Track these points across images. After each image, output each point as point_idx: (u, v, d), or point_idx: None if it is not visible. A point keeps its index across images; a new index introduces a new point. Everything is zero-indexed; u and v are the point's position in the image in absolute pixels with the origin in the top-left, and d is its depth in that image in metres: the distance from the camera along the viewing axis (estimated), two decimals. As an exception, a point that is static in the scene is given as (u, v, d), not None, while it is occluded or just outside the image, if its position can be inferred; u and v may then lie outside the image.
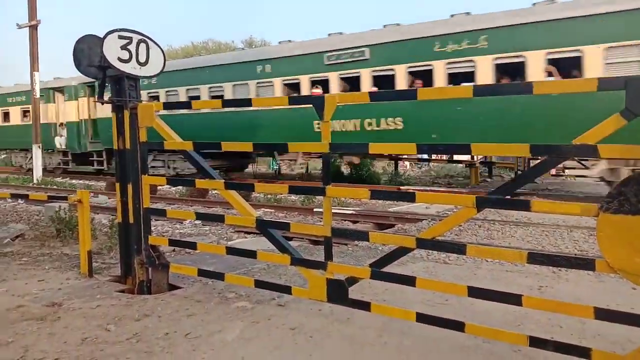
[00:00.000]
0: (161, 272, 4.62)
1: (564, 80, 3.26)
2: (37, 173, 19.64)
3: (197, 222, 9.24)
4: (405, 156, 19.32)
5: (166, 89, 18.27)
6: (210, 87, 17.26)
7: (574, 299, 4.13)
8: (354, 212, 10.27)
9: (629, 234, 2.50)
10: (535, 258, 2.80)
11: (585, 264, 2.73)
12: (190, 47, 47.89)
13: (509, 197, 2.93)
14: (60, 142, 22.88)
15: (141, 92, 17.26)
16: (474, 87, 2.95)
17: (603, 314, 2.64)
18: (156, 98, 18.57)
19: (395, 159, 19.74)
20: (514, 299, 2.89)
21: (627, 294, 4.29)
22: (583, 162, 13.63)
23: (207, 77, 17.40)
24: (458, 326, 3.05)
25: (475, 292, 3.01)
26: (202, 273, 4.34)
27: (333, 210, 10.08)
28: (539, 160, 2.98)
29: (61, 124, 22.72)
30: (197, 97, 17.36)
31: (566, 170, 17.76)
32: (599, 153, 2.61)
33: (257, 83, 16.17)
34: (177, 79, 17.85)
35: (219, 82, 17.08)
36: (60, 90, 22.71)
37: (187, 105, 5.11)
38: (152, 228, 4.92)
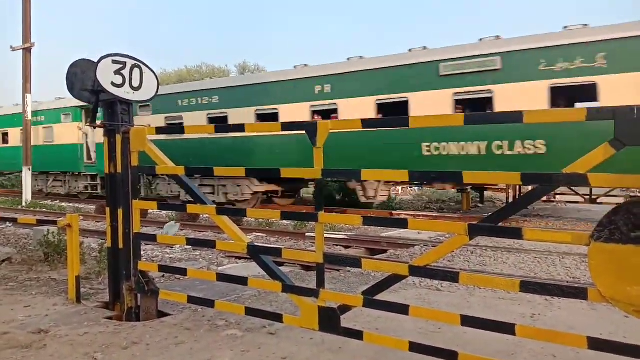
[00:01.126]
0: (150, 298, 4.55)
1: (554, 110, 3.31)
2: (27, 195, 19.45)
3: (188, 247, 9.16)
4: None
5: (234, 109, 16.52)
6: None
7: (567, 327, 4.11)
8: (346, 237, 10.23)
9: (620, 263, 2.50)
10: (528, 287, 2.79)
11: (577, 292, 2.73)
12: (184, 72, 48.25)
13: (500, 224, 2.93)
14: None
15: (201, 112, 17.25)
16: (465, 115, 2.98)
17: (596, 344, 2.62)
18: (223, 119, 16.68)
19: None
20: (508, 328, 2.87)
21: (620, 322, 4.27)
22: (573, 188, 13.74)
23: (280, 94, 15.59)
24: (451, 356, 3.01)
25: (468, 321, 2.99)
26: (192, 300, 4.28)
27: (325, 235, 10.09)
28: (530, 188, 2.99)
29: None
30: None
31: (557, 196, 17.93)
32: (589, 182, 2.63)
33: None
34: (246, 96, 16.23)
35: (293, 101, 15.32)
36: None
37: (179, 130, 5.10)
38: (142, 252, 4.87)
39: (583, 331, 3.87)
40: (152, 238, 5.19)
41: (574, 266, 7.15)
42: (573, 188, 14.95)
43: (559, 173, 2.68)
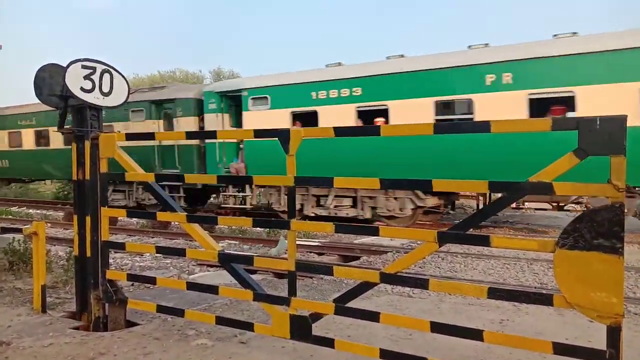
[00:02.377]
0: (118, 307, 4.46)
1: (519, 120, 3.39)
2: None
3: (158, 255, 9.02)
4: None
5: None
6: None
7: (535, 333, 4.19)
8: (319, 244, 10.23)
9: (584, 269, 2.57)
10: (496, 293, 2.84)
11: (543, 299, 2.79)
12: (157, 77, 47.67)
13: (469, 232, 2.98)
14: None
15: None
16: (434, 124, 3.03)
17: (561, 349, 2.68)
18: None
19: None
20: (476, 334, 2.91)
21: (585, 327, 4.37)
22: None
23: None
24: (421, 362, 3.04)
25: (437, 328, 3.02)
26: (161, 309, 4.21)
27: (299, 242, 10.11)
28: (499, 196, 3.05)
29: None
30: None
31: (526, 204, 18.29)
32: (555, 190, 2.70)
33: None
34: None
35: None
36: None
37: (149, 136, 5.02)
38: (111, 261, 4.78)
39: (550, 336, 3.95)
40: (120, 246, 5.10)
41: (541, 272, 7.30)
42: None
43: (525, 182, 2.74)
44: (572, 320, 4.62)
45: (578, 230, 2.59)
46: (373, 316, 3.29)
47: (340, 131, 3.56)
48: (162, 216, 4.30)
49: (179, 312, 4.09)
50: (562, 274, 2.63)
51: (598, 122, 2.56)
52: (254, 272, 7.59)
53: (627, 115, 2.55)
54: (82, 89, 4.42)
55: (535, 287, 6.49)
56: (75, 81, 4.37)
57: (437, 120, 12.69)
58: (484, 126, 2.92)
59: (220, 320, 3.90)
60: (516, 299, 2.90)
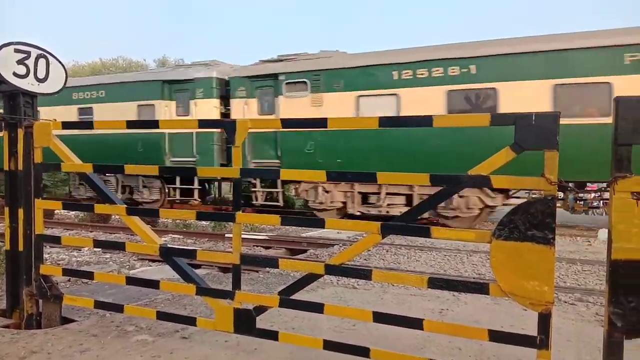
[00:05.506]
0: (53, 304, 4.26)
1: (459, 115, 3.49)
2: None
3: (97, 249, 8.69)
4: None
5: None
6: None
7: (473, 322, 4.35)
8: (266, 238, 10.19)
9: (518, 259, 2.68)
10: (435, 283, 2.92)
11: (480, 288, 2.89)
12: (99, 64, 45.77)
13: (411, 224, 3.05)
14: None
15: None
16: (379, 118, 3.07)
17: (496, 336, 2.79)
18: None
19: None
20: (417, 324, 2.99)
21: (519, 315, 4.58)
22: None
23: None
24: (364, 352, 3.08)
25: (379, 318, 3.07)
26: (99, 305, 4.06)
27: (245, 236, 10.03)
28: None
29: None
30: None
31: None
32: (492, 183, 2.80)
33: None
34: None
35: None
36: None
37: (87, 125, 4.83)
38: (46, 256, 4.56)
39: (486, 324, 4.12)
40: (56, 240, 4.87)
41: (480, 263, 7.59)
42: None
43: (464, 175, 2.82)
44: (507, 309, 4.83)
45: (513, 222, 2.70)
46: (317, 308, 3.31)
47: (285, 123, 3.55)
48: (100, 208, 4.14)
49: (118, 308, 3.96)
50: (497, 264, 2.74)
51: (533, 118, 2.67)
52: (198, 266, 7.47)
53: (560, 112, 2.68)
54: (15, 74, 4.17)
55: (473, 278, 6.74)
56: (7, 66, 4.12)
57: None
58: (427, 121, 2.99)
59: (162, 316, 3.81)
60: (454, 288, 2.99)
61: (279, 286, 5.75)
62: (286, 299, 3.35)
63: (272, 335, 3.38)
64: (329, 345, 3.20)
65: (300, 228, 11.74)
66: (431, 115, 2.95)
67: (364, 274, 3.18)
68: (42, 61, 4.40)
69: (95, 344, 3.73)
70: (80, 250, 8.77)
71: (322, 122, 3.34)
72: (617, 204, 2.45)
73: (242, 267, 3.56)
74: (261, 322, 3.46)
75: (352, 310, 3.53)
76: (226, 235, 10.38)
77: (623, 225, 2.44)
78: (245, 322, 3.42)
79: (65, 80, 4.65)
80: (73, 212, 14.51)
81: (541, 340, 2.64)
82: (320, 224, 3.51)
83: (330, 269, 3.25)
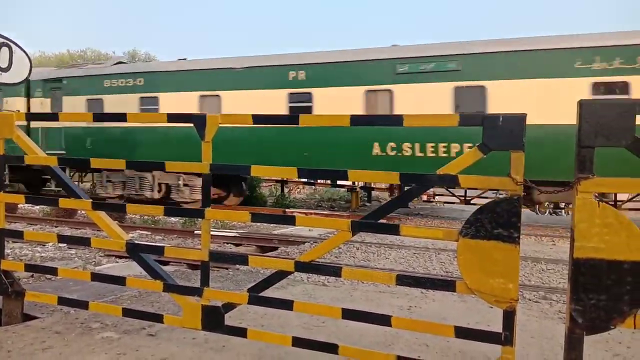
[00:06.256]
0: (14, 300, 4.13)
1: (428, 115, 3.52)
2: None
3: (62, 245, 8.48)
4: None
5: None
6: None
7: (440, 318, 4.41)
8: (237, 235, 10.12)
9: (484, 257, 2.73)
10: (403, 280, 2.95)
11: (447, 285, 2.93)
12: (66, 55, 44.60)
13: (381, 221, 3.07)
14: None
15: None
16: (351, 116, 3.08)
17: (462, 333, 2.84)
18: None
19: (282, 181, 19.92)
20: (384, 320, 3.01)
21: (485, 312, 4.68)
22: (451, 190, 14.80)
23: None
24: (332, 348, 3.09)
25: (348, 314, 3.09)
26: (63, 301, 3.95)
27: (216, 233, 9.94)
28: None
29: None
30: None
31: (436, 197, 19.30)
32: (459, 182, 2.84)
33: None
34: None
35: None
36: None
37: (52, 117, 4.69)
38: (8, 251, 4.42)
39: (453, 321, 4.18)
40: (18, 235, 4.72)
41: (448, 261, 7.71)
42: (450, 189, 16.08)
43: (433, 174, 2.86)
44: (474, 306, 4.92)
45: (480, 221, 2.74)
46: (286, 304, 3.30)
47: (257, 119, 3.52)
48: (65, 203, 4.03)
49: (83, 305, 3.87)
50: (464, 262, 2.78)
51: (500, 119, 2.72)
52: (166, 263, 7.37)
53: (526, 114, 2.74)
54: (-26, 62, 4.03)
55: (441, 275, 6.84)
56: (-34, 54, 3.98)
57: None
58: (397, 120, 3.01)
59: (128, 312, 3.74)
60: (422, 285, 3.03)
61: (248, 283, 5.72)
62: (255, 296, 3.33)
63: (241, 332, 3.36)
64: (298, 342, 3.19)
65: (271, 225, 11.72)
66: (401, 115, 2.97)
67: (334, 271, 3.19)
68: (4, 50, 4.26)
69: (59, 342, 3.63)
70: (44, 245, 8.54)
71: (294, 119, 3.34)
72: (579, 204, 2.52)
73: (212, 265, 3.53)
74: (230, 319, 3.43)
75: (321, 307, 3.54)
76: (195, 232, 10.26)
77: (585, 225, 2.51)
78: (213, 319, 3.39)
79: (30, 70, 4.52)
80: (38, 207, 14.11)
81: (506, 336, 2.70)
82: (291, 221, 3.51)
83: (301, 266, 3.24)
